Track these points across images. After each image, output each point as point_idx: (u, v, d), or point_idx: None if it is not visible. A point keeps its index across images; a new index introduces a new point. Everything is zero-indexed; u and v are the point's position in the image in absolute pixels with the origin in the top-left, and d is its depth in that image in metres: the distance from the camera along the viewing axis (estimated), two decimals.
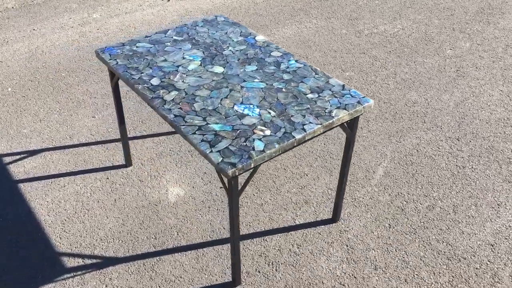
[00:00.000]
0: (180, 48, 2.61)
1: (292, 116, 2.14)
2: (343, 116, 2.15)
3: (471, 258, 2.48)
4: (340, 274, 2.42)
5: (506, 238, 2.58)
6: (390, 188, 2.87)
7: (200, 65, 2.47)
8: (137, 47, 2.62)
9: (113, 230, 2.62)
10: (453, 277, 2.40)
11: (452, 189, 2.86)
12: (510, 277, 2.39)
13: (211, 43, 2.65)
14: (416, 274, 2.41)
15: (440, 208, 2.76)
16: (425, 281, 2.38)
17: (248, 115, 2.14)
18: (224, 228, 2.64)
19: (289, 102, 2.22)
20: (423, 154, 3.11)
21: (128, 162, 3.00)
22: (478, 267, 2.44)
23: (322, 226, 2.65)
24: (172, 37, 2.70)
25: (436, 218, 2.69)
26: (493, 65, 3.99)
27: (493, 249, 2.53)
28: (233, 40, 2.68)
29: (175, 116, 2.13)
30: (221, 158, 1.92)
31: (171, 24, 4.51)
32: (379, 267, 2.45)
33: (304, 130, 2.07)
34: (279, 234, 2.60)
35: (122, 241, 2.57)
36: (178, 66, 2.46)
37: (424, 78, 3.82)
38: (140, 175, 2.95)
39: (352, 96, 2.26)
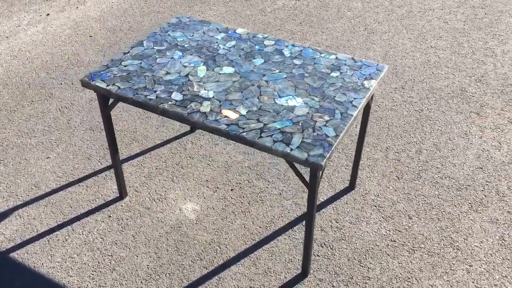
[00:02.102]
0: (172, 57, 2.43)
1: (334, 96, 2.18)
2: (374, 85, 2.26)
3: (473, 183, 2.83)
4: (386, 232, 2.57)
5: (488, 159, 2.99)
6: (378, 145, 3.08)
7: (208, 69, 2.34)
8: (125, 66, 2.37)
9: (152, 267, 2.40)
10: (470, 203, 2.72)
11: (424, 131, 3.18)
12: (509, 189, 2.79)
13: (198, 45, 2.51)
14: (443, 211, 2.68)
15: (426, 150, 3.06)
16: (452, 214, 2.66)
17: (295, 106, 2.13)
18: (260, 227, 2.59)
19: (321, 85, 2.25)
20: (384, 107, 3.38)
21: (123, 193, 2.72)
22: (483, 189, 2.80)
23: (346, 196, 2.76)
24: (153, 48, 2.50)
25: (428, 159, 2.99)
26: (389, 17, 4.43)
27: (483, 171, 2.91)
28: (217, 38, 2.58)
29: (227, 125, 2.02)
30: (306, 153, 1.90)
31: (69, 39, 4.08)
32: (412, 215, 2.65)
33: (355, 106, 2.13)
34: (317, 215, 2.64)
35: (169, 274, 2.37)
36: (187, 76, 2.30)
37: (344, 41, 4.09)
38: (143, 203, 2.71)
39: (368, 66, 2.38)
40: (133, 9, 4.57)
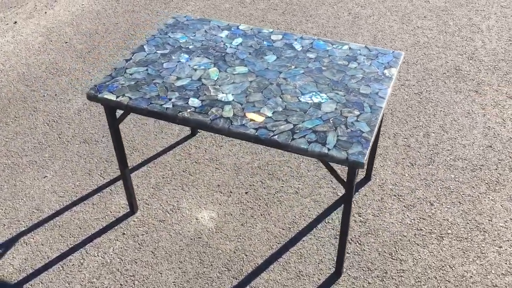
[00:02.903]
0: (179, 61, 2.29)
1: (358, 89, 2.10)
2: (395, 73, 2.19)
3: (486, 163, 2.82)
4: (410, 221, 2.52)
5: (495, 137, 2.98)
6: (386, 132, 3.03)
7: (220, 71, 2.22)
8: (131, 74, 2.21)
9: (178, 283, 2.27)
10: (487, 183, 2.70)
11: (428, 113, 3.15)
12: None
13: (203, 46, 2.38)
14: (462, 194, 2.65)
15: (433, 133, 3.03)
16: (472, 196, 2.64)
17: (321, 102, 2.03)
18: (283, 229, 2.50)
19: (342, 78, 2.16)
20: None
21: (134, 208, 2.57)
22: (496, 167, 2.79)
23: (363, 188, 2.69)
24: (157, 53, 2.34)
25: (437, 142, 2.96)
26: (371, 0, 4.38)
27: (493, 149, 2.90)
28: (222, 37, 2.44)
29: (256, 129, 1.91)
30: (344, 152, 1.81)
31: (43, 47, 3.83)
32: (433, 201, 2.62)
33: (382, 97, 2.06)
34: (334, 212, 2.56)
35: None
36: (199, 80, 2.17)
37: (330, 28, 4.01)
38: (156, 216, 2.57)
39: (384, 54, 2.30)
40: (106, 11, 4.35)
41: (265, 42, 2.40)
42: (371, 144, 1.86)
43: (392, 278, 2.28)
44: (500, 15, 4.13)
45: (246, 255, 2.39)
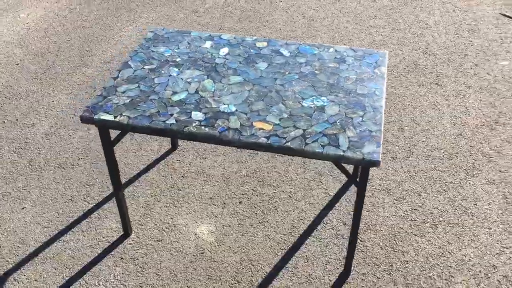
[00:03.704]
0: (170, 75, 2.23)
1: (356, 89, 2.14)
2: (385, 72, 2.26)
3: (460, 150, 2.96)
4: (404, 213, 2.61)
5: (463, 125, 3.15)
6: None
7: (215, 82, 2.18)
8: (123, 92, 2.13)
9: None
10: (465, 170, 2.85)
11: (398, 108, 3.27)
12: (492, 149, 2.97)
13: (191, 58, 2.33)
14: (445, 182, 2.78)
15: (407, 126, 3.15)
16: (454, 183, 2.77)
17: (324, 105, 2.05)
18: (284, 235, 2.50)
19: (337, 80, 2.20)
20: None
21: (128, 230, 2.47)
22: (470, 154, 2.95)
23: (352, 186, 2.75)
24: (144, 68, 2.27)
25: (412, 134, 3.07)
26: (321, 3, 4.48)
27: (464, 137, 3.07)
28: (207, 47, 2.41)
29: (267, 137, 1.90)
30: (359, 152, 1.84)
31: None
32: (420, 192, 2.72)
33: (380, 96, 2.11)
34: (330, 212, 2.59)
35: None
36: (197, 92, 2.12)
37: (288, 32, 4.06)
38: (153, 236, 2.48)
39: (369, 54, 2.37)
40: (54, 28, 4.15)
41: (252, 50, 2.39)
42: (381, 142, 1.91)
43: (399, 270, 2.35)
44: (443, 10, 4.37)
45: (253, 265, 2.37)
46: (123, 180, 2.78)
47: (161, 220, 2.57)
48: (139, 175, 2.81)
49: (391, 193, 2.72)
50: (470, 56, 3.76)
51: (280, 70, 2.26)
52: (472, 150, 2.97)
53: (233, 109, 2.04)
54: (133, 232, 2.50)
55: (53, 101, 3.36)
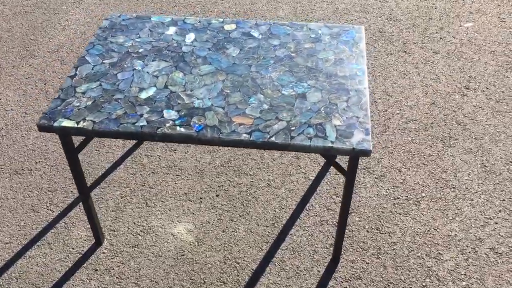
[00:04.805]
0: (134, 69, 2.02)
1: (336, 72, 2.01)
2: (363, 49, 2.13)
3: (434, 120, 2.90)
4: (386, 192, 2.54)
5: (434, 93, 3.09)
6: None
7: (185, 74, 2.00)
8: (83, 93, 1.91)
9: None
10: (442, 140, 2.80)
11: (369, 80, 3.18)
12: (465, 116, 2.93)
13: (155, 48, 2.13)
14: (423, 155, 2.73)
15: (379, 99, 3.06)
16: (432, 155, 2.72)
17: (305, 92, 1.92)
18: (267, 227, 2.38)
19: (315, 63, 2.05)
20: None
21: (100, 238, 2.29)
22: (445, 123, 2.90)
23: (331, 168, 2.66)
24: (104, 63, 2.05)
25: (385, 107, 2.99)
26: None
27: (436, 106, 3.01)
28: (171, 34, 2.20)
29: (249, 133, 1.75)
30: (348, 142, 1.73)
31: None
32: (400, 167, 2.66)
33: (361, 76, 1.99)
34: (312, 198, 2.50)
35: None
36: (166, 87, 1.93)
37: (249, 6, 3.86)
38: (128, 242, 2.31)
39: (345, 31, 2.23)
40: None
41: (220, 35, 2.21)
42: (370, 128, 1.80)
43: (387, 253, 2.29)
44: None
45: (238, 263, 2.25)
46: (88, 182, 2.58)
47: (134, 223, 2.40)
48: (105, 175, 2.62)
49: (371, 172, 2.64)
50: (434, 20, 3.69)
51: (254, 55, 2.09)
52: (447, 119, 2.93)
53: (209, 103, 1.88)
54: (105, 239, 2.33)
55: (0, 99, 3.08)
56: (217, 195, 2.52)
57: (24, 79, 3.22)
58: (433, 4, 3.86)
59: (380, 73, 3.24)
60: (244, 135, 1.76)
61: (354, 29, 2.24)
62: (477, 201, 2.49)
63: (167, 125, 1.79)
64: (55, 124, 1.80)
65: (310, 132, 1.77)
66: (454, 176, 2.62)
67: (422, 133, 2.84)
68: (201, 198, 2.51)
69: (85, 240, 2.33)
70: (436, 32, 3.57)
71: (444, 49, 3.42)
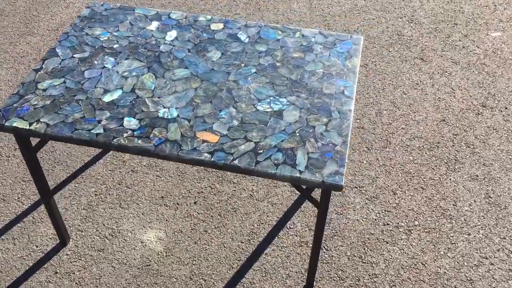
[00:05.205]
0: (104, 67, 1.88)
1: (321, 88, 1.82)
2: (358, 65, 1.93)
3: (441, 139, 2.68)
4: (376, 216, 2.35)
5: (446, 108, 2.85)
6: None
7: (157, 77, 1.84)
8: (45, 90, 1.78)
9: None
10: (446, 163, 2.57)
11: (377, 88, 2.95)
12: (477, 138, 2.69)
13: (131, 44, 1.97)
14: (424, 178, 2.51)
15: (385, 110, 2.84)
16: (434, 179, 2.50)
17: (282, 109, 1.73)
18: (242, 242, 2.24)
19: (301, 75, 1.86)
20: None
21: (65, 239, 2.19)
22: (453, 144, 2.67)
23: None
24: (74, 57, 1.91)
25: (390, 120, 2.77)
26: None
27: (447, 123, 2.77)
28: (152, 30, 2.04)
29: (211, 153, 1.59)
30: (318, 173, 1.55)
31: None
32: (395, 189, 2.46)
33: (349, 97, 1.79)
34: (295, 215, 2.33)
35: None
36: (133, 91, 1.78)
37: None
38: (94, 244, 2.21)
39: (342, 40, 2.02)
40: None
41: (205, 34, 2.03)
42: (346, 160, 1.61)
43: (366, 286, 2.12)
44: None
45: (205, 280, 2.12)
46: (64, 175, 2.47)
47: (104, 224, 2.29)
48: (83, 169, 2.50)
49: (363, 192, 2.45)
50: (459, 26, 3.41)
51: (235, 62, 1.91)
52: (455, 139, 2.69)
53: (175, 114, 1.72)
54: (71, 240, 2.23)
55: None
56: (195, 202, 2.38)
57: (19, 58, 3.12)
58: (461, 7, 3.56)
59: (391, 81, 3.01)
60: (206, 154, 1.59)
61: (352, 39, 2.03)
62: (475, 236, 2.28)
63: (125, 135, 1.64)
64: (7, 123, 1.67)
65: (279, 158, 1.59)
66: (454, 205, 2.40)
67: (426, 153, 2.62)
68: (178, 204, 2.38)
69: (51, 239, 2.23)
70: (459, 40, 3.29)
71: (465, 59, 3.15)
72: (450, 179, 2.50)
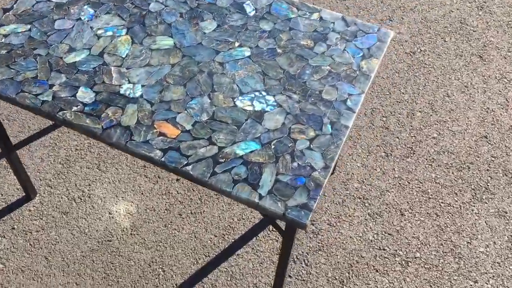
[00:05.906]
0: (79, 19, 1.62)
1: (321, 91, 1.50)
2: (375, 68, 1.58)
3: (476, 160, 2.30)
4: (373, 237, 2.05)
5: (493, 123, 2.44)
6: (362, 106, 2.46)
7: (134, 42, 1.57)
8: (6, 36, 1.56)
9: None
10: (473, 189, 2.21)
11: (418, 83, 2.55)
12: None
13: None
14: (441, 202, 2.17)
15: (419, 112, 2.46)
16: (453, 206, 2.15)
17: (265, 110, 1.44)
18: (215, 236, 2.01)
19: (301, 70, 1.54)
20: None
21: (30, 192, 2.04)
22: (488, 168, 2.28)
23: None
24: (51, 1, 1.66)
25: (422, 125, 2.40)
26: None
27: (488, 141, 2.38)
28: None
29: (164, 150, 1.33)
30: (282, 202, 1.26)
31: None
32: (404, 210, 2.13)
33: (351, 109, 1.46)
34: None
35: None
36: (101, 55, 1.53)
37: None
38: (59, 205, 2.05)
39: (366, 33, 1.66)
40: None
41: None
42: (321, 192, 1.32)
43: None
44: None
45: (164, 271, 1.92)
46: (48, 122, 2.30)
47: (76, 185, 2.11)
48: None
49: (367, 205, 2.14)
50: None
51: (229, 39, 1.61)
52: (492, 163, 2.30)
53: (138, 93, 1.46)
54: (38, 195, 2.07)
55: None
56: (177, 179, 2.16)
57: None
58: None
59: (436, 78, 2.59)
60: (157, 151, 1.34)
61: (378, 34, 1.66)
62: (482, 285, 1.95)
63: (74, 109, 1.41)
64: None
65: (241, 172, 1.31)
66: (468, 242, 2.06)
67: (452, 173, 2.25)
68: (159, 177, 2.16)
69: (18, 189, 2.09)
70: None
71: None
72: (472, 210, 2.14)
